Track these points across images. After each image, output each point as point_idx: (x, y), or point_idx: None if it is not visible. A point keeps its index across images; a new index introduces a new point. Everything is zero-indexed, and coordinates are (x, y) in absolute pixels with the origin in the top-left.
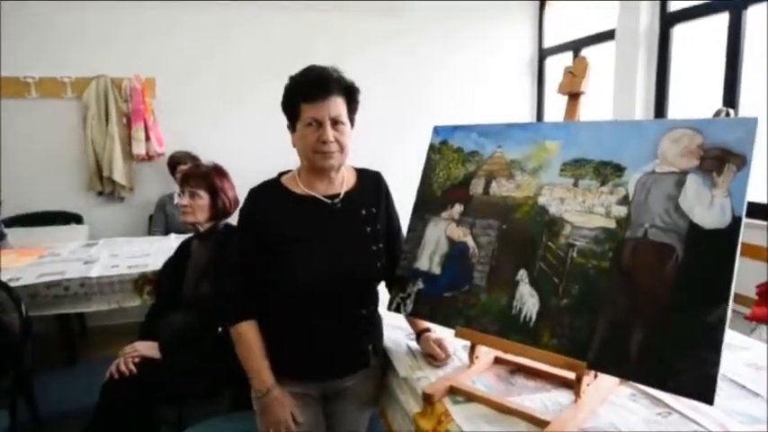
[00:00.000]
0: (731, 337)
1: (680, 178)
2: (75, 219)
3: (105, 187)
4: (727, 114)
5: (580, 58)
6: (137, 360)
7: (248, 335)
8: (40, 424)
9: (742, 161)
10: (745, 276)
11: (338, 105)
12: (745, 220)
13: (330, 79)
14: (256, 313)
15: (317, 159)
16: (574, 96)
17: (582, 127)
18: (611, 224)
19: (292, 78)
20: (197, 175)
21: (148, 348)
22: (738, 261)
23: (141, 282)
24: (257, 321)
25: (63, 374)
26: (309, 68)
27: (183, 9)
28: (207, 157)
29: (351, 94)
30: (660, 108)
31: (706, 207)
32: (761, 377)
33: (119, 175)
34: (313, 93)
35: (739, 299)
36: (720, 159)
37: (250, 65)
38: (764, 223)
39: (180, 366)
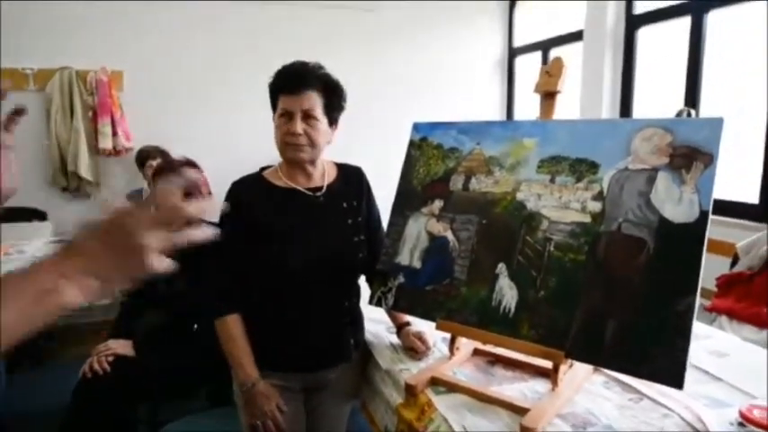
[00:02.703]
0: (694, 326)
1: (651, 175)
2: (39, 215)
3: (70, 183)
4: (689, 114)
5: (556, 59)
6: (110, 359)
7: (233, 328)
8: (5, 427)
9: (709, 159)
10: (707, 270)
11: (312, 100)
12: (711, 217)
13: (308, 73)
14: (240, 307)
15: (287, 151)
16: (550, 95)
17: (558, 125)
18: (587, 219)
19: (277, 71)
20: (169, 169)
21: (122, 347)
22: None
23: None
24: (242, 315)
25: (28, 375)
26: (293, 63)
27: (150, 1)
28: (176, 151)
29: (331, 90)
30: (626, 107)
31: (675, 202)
32: (722, 363)
33: (84, 170)
34: (288, 85)
35: (702, 292)
36: (689, 157)
37: (219, 59)
38: (728, 220)
39: (155, 364)
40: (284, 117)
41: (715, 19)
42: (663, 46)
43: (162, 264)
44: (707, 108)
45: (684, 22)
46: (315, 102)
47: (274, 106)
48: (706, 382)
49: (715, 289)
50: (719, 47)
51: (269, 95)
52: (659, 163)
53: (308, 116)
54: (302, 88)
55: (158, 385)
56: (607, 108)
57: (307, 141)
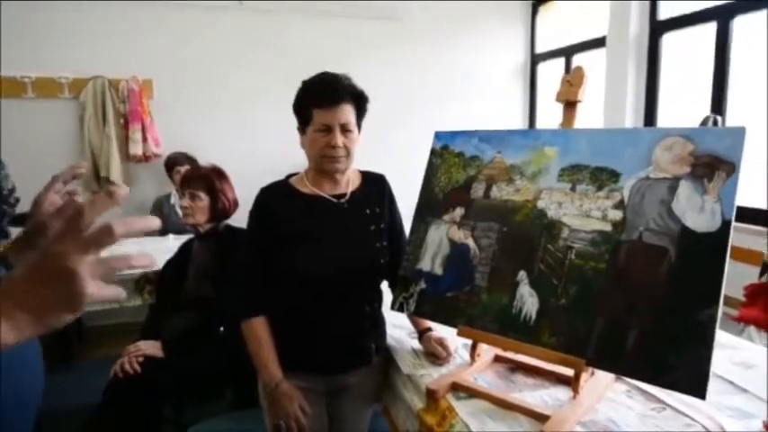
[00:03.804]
0: (720, 336)
1: (673, 184)
2: None
3: (102, 187)
4: (715, 121)
5: (577, 68)
6: (141, 359)
7: (259, 330)
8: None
9: (731, 168)
10: (735, 279)
11: (347, 112)
12: (737, 225)
13: (341, 87)
14: (266, 310)
15: (325, 163)
16: (571, 104)
17: (579, 134)
18: (608, 227)
19: (305, 83)
20: (197, 177)
21: (152, 347)
22: (729, 264)
23: (142, 281)
24: (267, 318)
25: (59, 374)
26: (322, 75)
27: (180, 12)
28: (204, 158)
29: (360, 101)
30: (650, 114)
31: (697, 211)
32: (748, 374)
33: (116, 175)
34: (325, 99)
35: (729, 301)
36: (711, 166)
37: (247, 68)
38: (756, 228)
39: (182, 366)
40: (322, 131)
41: (741, 24)
42: (688, 52)
43: (104, 291)
44: (733, 115)
45: (710, 28)
46: (350, 114)
47: (304, 118)
48: (731, 393)
49: (743, 298)
50: (746, 52)
51: (297, 107)
52: (681, 172)
53: (345, 129)
54: (338, 102)
55: (185, 386)
56: (631, 115)
57: (344, 153)
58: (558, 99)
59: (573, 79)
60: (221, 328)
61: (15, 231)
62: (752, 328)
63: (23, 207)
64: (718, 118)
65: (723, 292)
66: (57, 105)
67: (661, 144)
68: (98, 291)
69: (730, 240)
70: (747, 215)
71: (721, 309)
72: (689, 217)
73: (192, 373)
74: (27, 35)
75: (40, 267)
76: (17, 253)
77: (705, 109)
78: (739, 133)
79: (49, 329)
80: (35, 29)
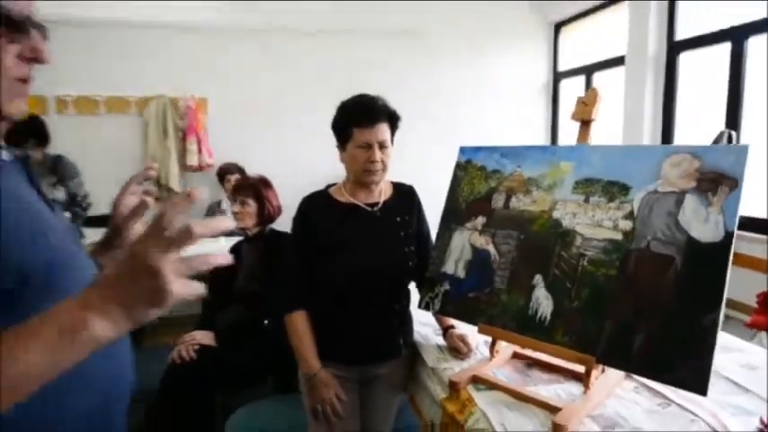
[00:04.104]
0: (728, 340)
1: (679, 197)
2: None
3: (162, 194)
4: (729, 135)
5: (592, 89)
6: (196, 347)
7: (300, 324)
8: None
9: (734, 183)
10: (747, 285)
11: (384, 131)
12: (747, 234)
13: (378, 108)
14: (306, 306)
15: (364, 176)
16: (586, 123)
17: (593, 150)
18: (618, 236)
19: (345, 104)
20: (246, 186)
21: (205, 337)
22: (741, 271)
23: (200, 278)
24: (307, 313)
25: None
26: (360, 97)
27: (232, 38)
28: (251, 168)
29: (393, 120)
30: (667, 130)
31: (702, 223)
32: (752, 375)
33: (174, 182)
34: (364, 119)
35: (741, 307)
36: (715, 181)
37: (287, 87)
38: (765, 237)
39: (231, 354)
40: (362, 148)
41: (755, 44)
42: (704, 70)
43: (186, 288)
44: (748, 130)
45: (725, 48)
46: (386, 132)
47: (344, 136)
48: (735, 393)
49: (755, 305)
50: (760, 70)
51: (337, 126)
52: (687, 186)
53: (381, 146)
54: (376, 122)
55: (234, 373)
56: (648, 131)
57: (381, 167)
58: (574, 118)
59: (587, 100)
60: (266, 322)
61: (89, 232)
62: (763, 334)
63: (96, 210)
64: (733, 133)
65: (725, 298)
66: (124, 120)
67: (669, 160)
68: (181, 288)
69: (732, 250)
70: (762, 225)
71: (723, 313)
72: (694, 228)
73: (241, 361)
74: (100, 59)
75: (127, 266)
76: (99, 254)
77: (720, 124)
78: (742, 151)
79: (138, 324)
80: (107, 53)
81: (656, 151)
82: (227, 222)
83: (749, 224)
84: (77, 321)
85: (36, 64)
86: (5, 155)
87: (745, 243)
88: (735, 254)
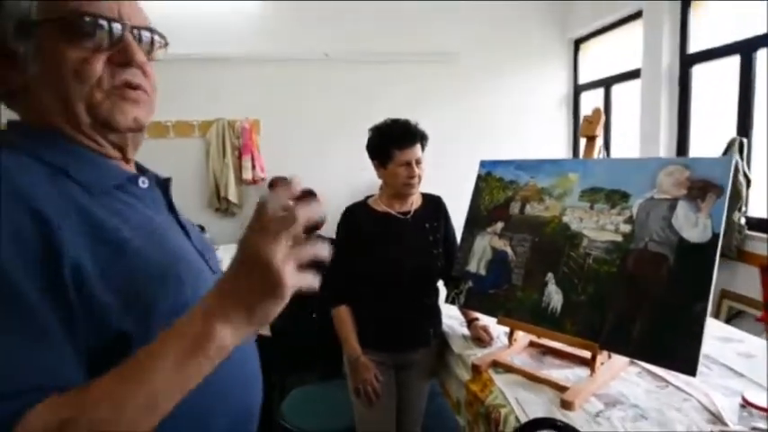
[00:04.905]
0: (731, 332)
1: (672, 203)
2: (200, 229)
3: (221, 205)
4: (741, 142)
5: (596, 109)
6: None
7: (344, 315)
8: None
9: (720, 191)
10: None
11: (418, 150)
12: (760, 235)
13: (414, 131)
14: (349, 301)
15: (405, 189)
16: (591, 139)
17: (597, 163)
18: (619, 238)
19: (380, 128)
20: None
21: (262, 328)
22: (755, 270)
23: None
24: (350, 306)
25: None
26: (397, 122)
27: (281, 66)
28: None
29: (423, 140)
30: (682, 139)
31: (692, 226)
32: (748, 363)
33: (232, 195)
34: (404, 141)
35: (755, 303)
36: (704, 189)
37: (329, 108)
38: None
39: (286, 342)
40: (403, 165)
41: (764, 56)
42: (716, 81)
43: (303, 280)
44: (759, 137)
45: (735, 60)
46: (419, 151)
47: (384, 156)
48: (729, 377)
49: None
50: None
51: (377, 147)
52: (679, 194)
53: (418, 163)
54: (414, 143)
55: (287, 359)
56: (665, 139)
57: (418, 181)
58: (581, 134)
59: (592, 118)
60: (314, 315)
61: None
62: None
63: None
64: (744, 140)
65: (712, 290)
66: (190, 142)
67: (663, 171)
68: (296, 279)
69: (719, 250)
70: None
71: (710, 304)
72: (685, 230)
73: (292, 348)
74: (168, 88)
75: (239, 262)
76: None
77: (732, 132)
78: (727, 163)
79: (261, 324)
80: (174, 83)
81: (652, 163)
82: (321, 208)
83: (763, 225)
84: (202, 334)
85: (134, 68)
86: (144, 181)
87: (763, 244)
88: (752, 254)
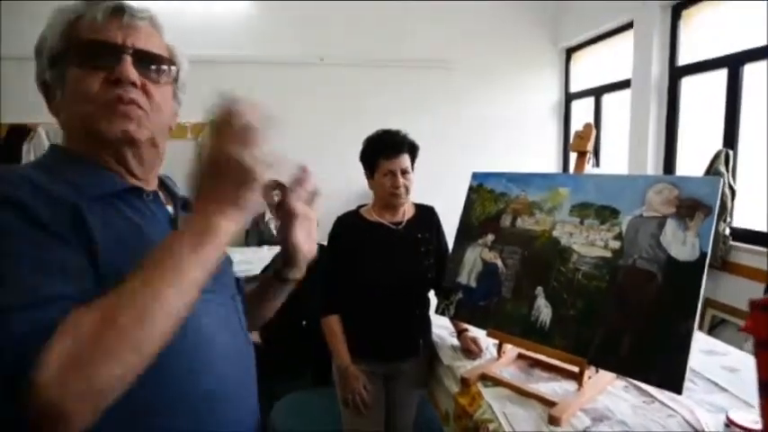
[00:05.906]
0: (715, 344)
1: (661, 221)
2: None
3: None
4: (727, 154)
5: (587, 125)
6: None
7: (334, 325)
8: None
9: (708, 210)
10: (746, 294)
11: (405, 160)
12: (748, 247)
13: (400, 140)
14: (340, 310)
15: (391, 199)
16: (582, 154)
17: (587, 179)
18: (608, 254)
19: (370, 139)
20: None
21: (253, 335)
22: (741, 281)
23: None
24: (340, 315)
25: None
26: (384, 132)
27: (276, 70)
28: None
29: (413, 150)
30: (670, 149)
31: (680, 244)
32: (732, 377)
33: None
34: (389, 151)
35: (739, 313)
36: (692, 208)
37: (325, 112)
38: (764, 249)
39: (276, 350)
40: (388, 175)
41: (750, 71)
42: (704, 94)
43: (270, 173)
44: (745, 149)
45: (722, 74)
46: (407, 161)
47: (371, 166)
48: (714, 392)
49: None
50: (755, 95)
51: (365, 157)
52: (668, 212)
53: (404, 172)
54: (399, 152)
55: (277, 367)
56: (653, 149)
57: (405, 191)
58: (571, 150)
59: (583, 134)
60: (304, 323)
61: None
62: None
63: None
64: (730, 152)
65: (699, 309)
66: (182, 145)
67: (653, 189)
68: (265, 170)
69: (706, 268)
70: (761, 237)
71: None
72: (673, 248)
73: (282, 357)
74: None
75: (211, 166)
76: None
77: (718, 144)
78: (716, 182)
79: (245, 210)
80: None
81: (642, 180)
82: (263, 109)
83: (750, 236)
84: (207, 227)
85: (128, 86)
86: (147, 195)
87: (747, 254)
88: (736, 264)
